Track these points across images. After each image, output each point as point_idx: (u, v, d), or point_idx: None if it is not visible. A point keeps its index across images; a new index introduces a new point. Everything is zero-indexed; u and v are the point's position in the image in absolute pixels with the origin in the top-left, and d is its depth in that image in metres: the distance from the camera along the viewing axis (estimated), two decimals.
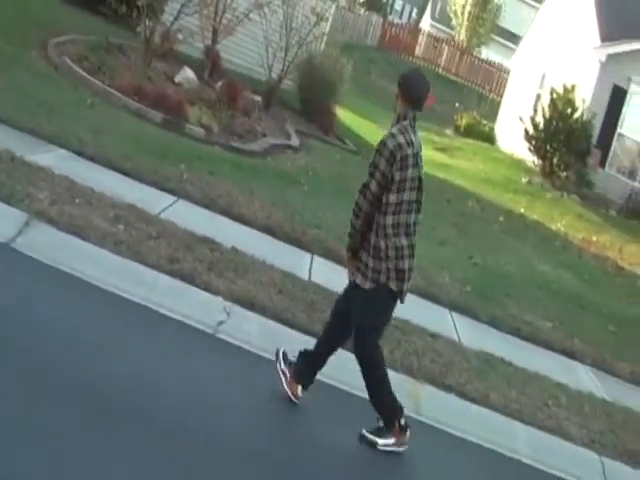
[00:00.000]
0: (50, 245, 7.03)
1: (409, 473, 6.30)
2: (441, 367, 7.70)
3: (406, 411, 6.85)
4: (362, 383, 6.18)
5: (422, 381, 7.32)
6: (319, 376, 6.34)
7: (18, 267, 6.67)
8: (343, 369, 6.67)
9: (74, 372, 5.38)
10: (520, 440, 7.28)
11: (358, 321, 6.02)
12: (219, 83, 15.52)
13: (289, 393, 6.14)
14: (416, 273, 10.17)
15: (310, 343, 6.54)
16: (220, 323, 6.80)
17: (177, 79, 15.17)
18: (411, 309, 9.09)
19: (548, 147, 22.06)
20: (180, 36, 16.09)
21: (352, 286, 6.15)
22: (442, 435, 6.89)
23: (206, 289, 7.15)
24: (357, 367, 6.13)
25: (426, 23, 59.00)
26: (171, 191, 9.58)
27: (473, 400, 7.40)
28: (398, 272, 5.95)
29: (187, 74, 15.45)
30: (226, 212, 9.68)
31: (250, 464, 5.30)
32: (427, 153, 21.96)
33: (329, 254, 9.71)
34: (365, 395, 6.23)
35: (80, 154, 9.55)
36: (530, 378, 8.44)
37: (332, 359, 6.34)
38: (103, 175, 9.21)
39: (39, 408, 4.86)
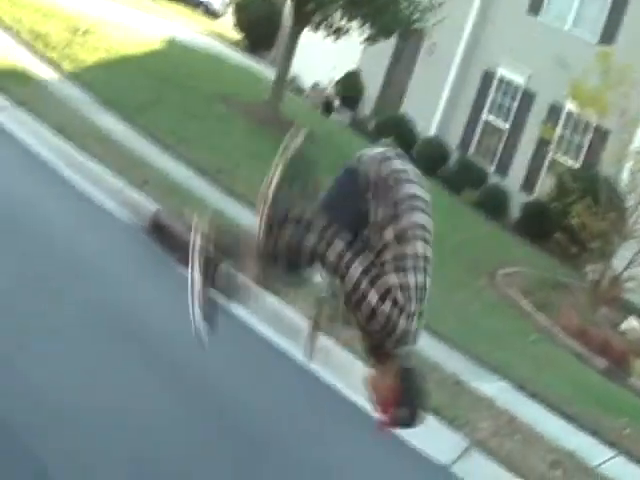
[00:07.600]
0: (487, 477, 6.77)
1: None
2: None
3: None
4: None
5: None
6: None
7: None
8: None
9: None
10: None
11: None
12: None
13: None
14: None
15: None
16: None
17: (622, 327, 14.64)
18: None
19: None
20: (630, 284, 15.61)
21: None
22: None
23: None
24: None
25: None
26: (611, 444, 8.90)
27: None
28: None
29: (632, 324, 14.87)
30: None
31: None
32: None
33: None
34: None
35: (522, 389, 9.30)
36: None
37: None
38: (543, 414, 8.85)
39: None
